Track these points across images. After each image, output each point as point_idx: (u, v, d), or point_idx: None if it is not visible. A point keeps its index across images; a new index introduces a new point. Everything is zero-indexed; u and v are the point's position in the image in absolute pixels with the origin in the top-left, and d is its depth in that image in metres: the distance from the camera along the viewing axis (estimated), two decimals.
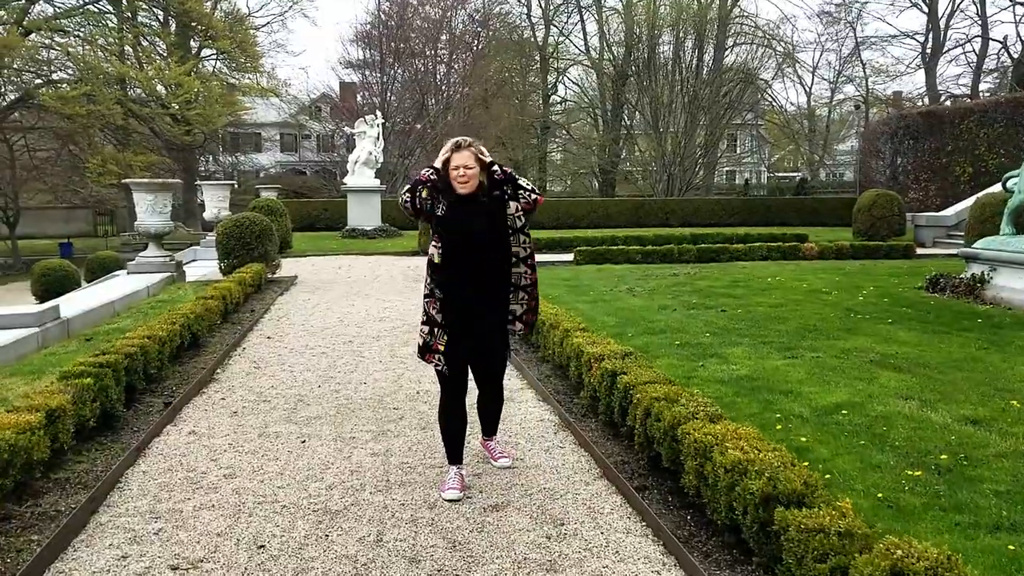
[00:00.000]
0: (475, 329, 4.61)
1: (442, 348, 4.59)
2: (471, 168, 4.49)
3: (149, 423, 5.81)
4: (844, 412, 5.61)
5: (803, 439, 5.07)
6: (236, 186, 47.65)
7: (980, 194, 22.41)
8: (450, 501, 4.49)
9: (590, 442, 5.26)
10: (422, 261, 18.96)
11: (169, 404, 6.23)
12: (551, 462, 5.07)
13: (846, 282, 12.92)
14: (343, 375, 7.50)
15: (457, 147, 4.53)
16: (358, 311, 11.37)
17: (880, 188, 32.81)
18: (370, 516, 4.26)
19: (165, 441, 5.52)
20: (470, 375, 4.81)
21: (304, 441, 5.48)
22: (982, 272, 11.22)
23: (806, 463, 4.00)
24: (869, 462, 4.66)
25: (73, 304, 10.91)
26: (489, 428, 5.13)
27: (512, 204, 4.55)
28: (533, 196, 4.56)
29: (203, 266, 17.84)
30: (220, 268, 14.33)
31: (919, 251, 18.94)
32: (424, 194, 4.52)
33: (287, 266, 16.68)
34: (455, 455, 4.74)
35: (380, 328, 9.98)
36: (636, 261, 17.11)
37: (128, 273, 14.74)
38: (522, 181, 4.59)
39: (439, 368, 4.64)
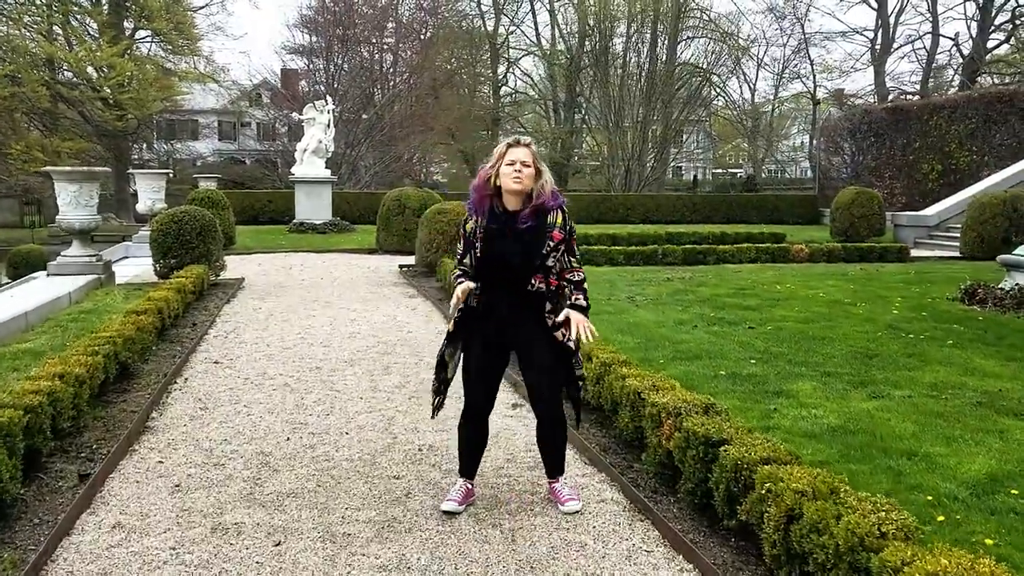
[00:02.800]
0: (508, 339, 4.23)
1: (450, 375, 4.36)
2: (528, 166, 4.05)
3: (57, 508, 4.16)
4: (1013, 491, 4.20)
5: (988, 540, 3.64)
6: (172, 175, 45.39)
7: (973, 191, 21.56)
8: (445, 512, 4.21)
9: (690, 544, 3.75)
10: (382, 261, 17.43)
11: (87, 477, 4.56)
12: None
13: (863, 291, 11.63)
14: (317, 420, 5.89)
15: (516, 143, 4.11)
16: (321, 324, 9.71)
17: (842, 185, 32.07)
18: None
19: (78, 545, 3.85)
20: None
21: (279, 543, 3.86)
22: None
23: None
24: None
25: None
26: (552, 467, 4.44)
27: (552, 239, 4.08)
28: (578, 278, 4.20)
29: (136, 264, 15.92)
30: (155, 270, 12.52)
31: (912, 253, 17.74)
32: (470, 227, 4.15)
33: (231, 265, 14.85)
34: (466, 468, 4.43)
35: (352, 348, 8.35)
36: (619, 263, 15.70)
37: (48, 275, 12.79)
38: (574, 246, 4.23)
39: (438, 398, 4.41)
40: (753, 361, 7.20)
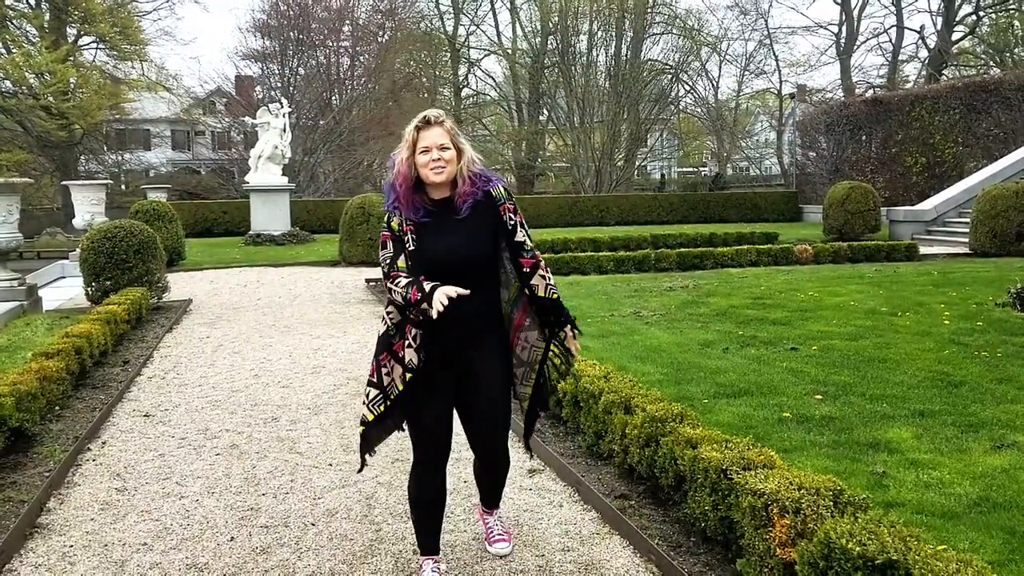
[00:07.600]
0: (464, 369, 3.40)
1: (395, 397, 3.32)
2: (448, 148, 3.26)
3: None
4: None
5: None
6: (124, 187, 43.29)
7: (970, 183, 20.55)
8: None
9: None
10: (346, 274, 15.83)
11: None
12: None
13: (896, 298, 10.33)
14: (272, 503, 4.40)
15: (426, 123, 3.26)
16: (279, 356, 8.19)
17: (820, 181, 31.06)
18: None
19: None
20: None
21: None
22: None
23: None
24: None
25: None
26: (489, 496, 3.78)
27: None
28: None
29: (71, 287, 14.19)
30: (87, 294, 10.94)
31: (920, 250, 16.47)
32: (396, 224, 3.29)
33: (179, 284, 13.30)
34: (428, 543, 3.51)
35: (316, 388, 6.86)
36: (608, 271, 14.29)
37: None
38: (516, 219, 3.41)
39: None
40: (819, 397, 5.80)
